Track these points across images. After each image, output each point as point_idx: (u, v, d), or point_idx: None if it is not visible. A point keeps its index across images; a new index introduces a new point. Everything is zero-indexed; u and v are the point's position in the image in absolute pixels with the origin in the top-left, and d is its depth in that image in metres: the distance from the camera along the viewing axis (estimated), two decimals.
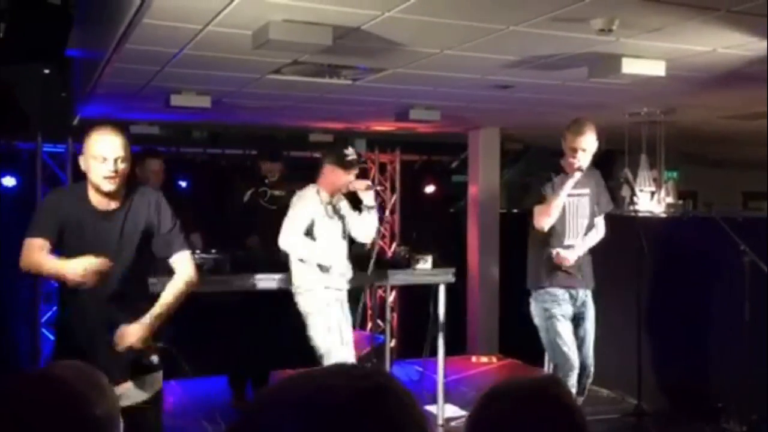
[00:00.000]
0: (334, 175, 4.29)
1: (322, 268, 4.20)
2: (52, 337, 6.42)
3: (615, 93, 5.07)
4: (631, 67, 3.89)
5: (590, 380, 4.35)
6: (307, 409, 0.80)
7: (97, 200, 2.96)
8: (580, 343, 4.26)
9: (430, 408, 5.13)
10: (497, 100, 5.56)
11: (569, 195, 4.17)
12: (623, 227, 5.30)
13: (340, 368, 0.87)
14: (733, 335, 4.64)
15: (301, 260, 4.23)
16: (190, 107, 5.26)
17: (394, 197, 8.09)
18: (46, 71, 6.27)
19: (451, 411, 5.29)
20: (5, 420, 1.06)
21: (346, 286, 4.33)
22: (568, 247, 4.23)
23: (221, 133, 7.97)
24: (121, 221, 2.97)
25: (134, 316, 2.89)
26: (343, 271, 4.26)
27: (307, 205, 4.24)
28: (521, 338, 6.98)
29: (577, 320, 4.29)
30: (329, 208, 4.29)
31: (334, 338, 4.17)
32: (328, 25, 3.32)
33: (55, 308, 6.41)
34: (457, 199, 8.21)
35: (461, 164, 8.23)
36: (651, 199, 6.19)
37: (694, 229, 5.45)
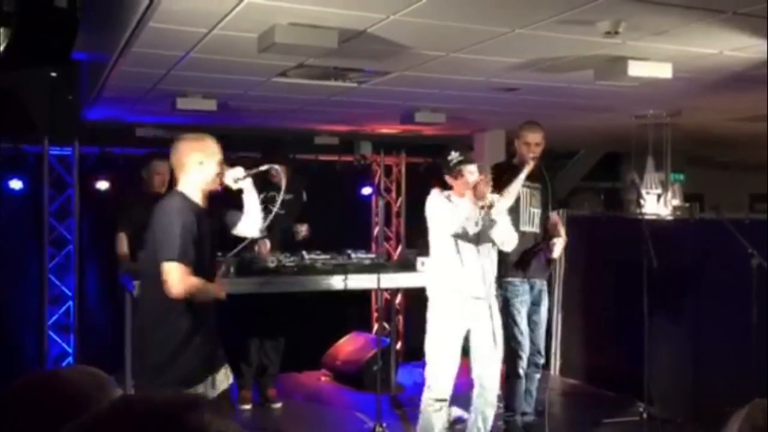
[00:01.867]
0: (454, 184, 4.20)
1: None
2: (59, 340, 6.46)
3: (621, 95, 5.05)
4: (637, 69, 3.88)
5: (543, 360, 4.86)
6: None
7: (199, 199, 3.27)
8: (534, 327, 4.74)
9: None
10: (503, 103, 5.56)
11: (523, 186, 4.59)
12: (630, 229, 5.30)
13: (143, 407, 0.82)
14: (740, 338, 4.62)
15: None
16: (196, 110, 5.27)
17: (400, 200, 8.08)
18: (53, 74, 6.29)
19: (457, 413, 5.28)
20: (10, 421, 1.06)
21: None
22: (524, 233, 4.59)
23: (228, 135, 7.98)
24: (209, 219, 3.30)
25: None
26: None
27: (444, 211, 4.18)
28: None
29: (533, 307, 4.74)
30: (465, 215, 4.14)
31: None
32: (333, 29, 3.32)
33: (64, 310, 6.46)
34: None
35: None
36: (657, 202, 6.17)
37: (700, 231, 5.43)
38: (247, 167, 3.47)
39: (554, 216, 4.91)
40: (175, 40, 3.63)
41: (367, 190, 7.81)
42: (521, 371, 4.63)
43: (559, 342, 6.59)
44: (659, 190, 6.26)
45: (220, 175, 3.31)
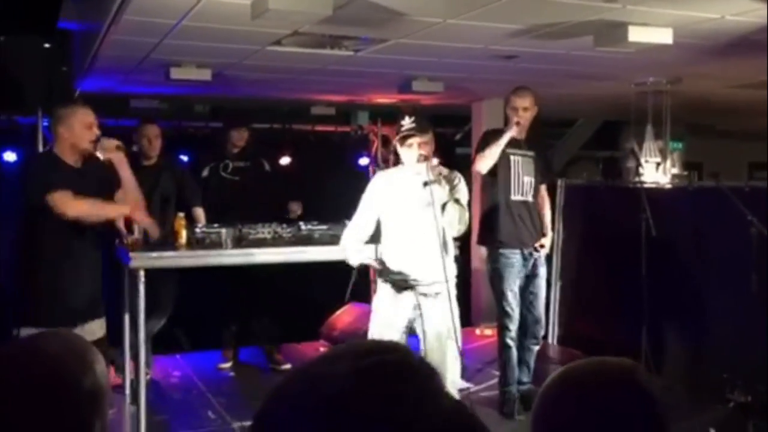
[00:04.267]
0: (401, 153, 3.76)
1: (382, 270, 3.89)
2: None
3: (621, 62, 4.99)
4: (637, 35, 3.83)
5: (542, 331, 4.77)
6: (308, 403, 0.76)
7: (72, 160, 3.59)
8: (533, 299, 4.64)
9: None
10: (501, 71, 5.49)
11: (515, 154, 4.53)
12: (628, 198, 5.27)
13: (346, 349, 0.82)
14: (739, 306, 4.62)
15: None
16: (190, 80, 5.21)
17: None
18: (47, 46, 6.22)
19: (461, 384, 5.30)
20: None
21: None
22: (516, 202, 4.55)
23: (223, 106, 7.91)
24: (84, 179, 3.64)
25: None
26: None
27: (374, 194, 3.88)
28: None
29: (529, 278, 4.63)
30: (405, 193, 3.84)
31: None
32: None
33: None
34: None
35: (465, 136, 8.17)
36: (656, 170, 6.14)
37: (700, 199, 5.40)
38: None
39: (542, 190, 4.78)
40: (167, 7, 3.57)
41: (364, 161, 7.76)
42: (510, 342, 4.59)
43: (558, 311, 6.59)
44: (658, 159, 6.23)
45: (91, 138, 3.57)
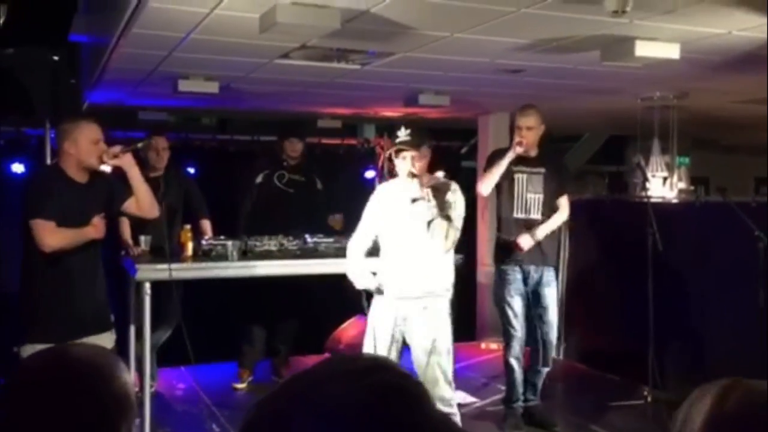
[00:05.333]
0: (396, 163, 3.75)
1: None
2: None
3: (628, 77, 5.00)
4: (644, 49, 3.83)
5: (552, 353, 4.69)
6: (305, 419, 0.75)
7: (76, 175, 3.54)
8: (539, 318, 4.57)
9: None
10: (507, 85, 5.51)
11: (521, 172, 4.52)
12: (635, 212, 5.26)
13: (341, 365, 0.82)
14: (746, 321, 4.59)
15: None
16: (198, 93, 5.24)
17: None
18: (55, 58, 6.25)
19: (461, 397, 5.27)
20: (23, 398, 1.08)
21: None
22: (518, 219, 4.53)
23: (230, 119, 7.95)
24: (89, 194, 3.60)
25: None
26: None
27: (374, 206, 3.89)
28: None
29: (535, 297, 4.57)
30: (401, 205, 3.79)
31: None
32: (336, 8, 3.27)
33: None
34: (467, 185, 8.15)
35: (471, 150, 8.18)
36: (663, 185, 6.13)
37: (706, 214, 5.38)
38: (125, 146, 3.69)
39: (562, 203, 4.63)
40: (176, 20, 3.59)
41: (370, 174, 7.77)
42: (513, 361, 4.55)
43: (564, 325, 6.56)
44: (665, 173, 6.22)
45: (98, 154, 3.50)
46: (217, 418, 4.84)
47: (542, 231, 4.54)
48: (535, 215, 4.56)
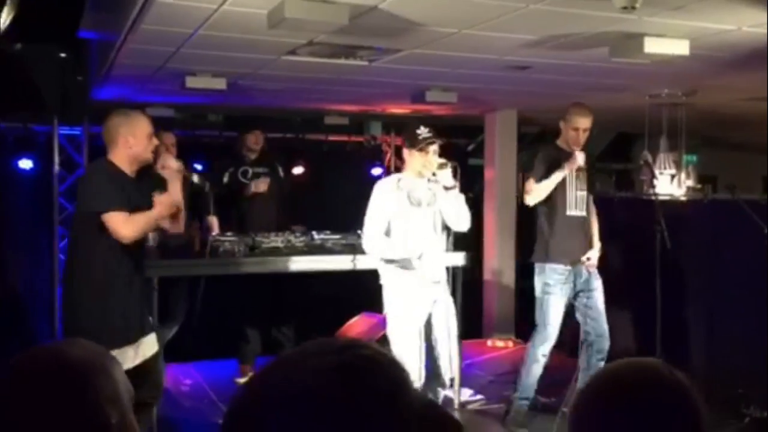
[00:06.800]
0: (413, 159, 3.98)
1: (406, 265, 3.96)
2: None
3: (636, 74, 4.97)
4: (653, 46, 3.81)
5: (608, 345, 4.60)
6: (289, 397, 0.77)
7: (128, 170, 3.47)
8: (594, 314, 4.53)
9: (446, 392, 5.10)
10: (515, 82, 5.49)
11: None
12: (643, 210, 5.24)
13: (320, 345, 0.83)
14: (755, 320, 4.57)
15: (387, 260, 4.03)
16: (205, 89, 5.24)
17: None
18: (63, 55, 6.27)
19: (467, 395, 5.27)
20: (15, 397, 1.06)
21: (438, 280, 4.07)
22: (571, 217, 4.48)
23: (237, 116, 7.96)
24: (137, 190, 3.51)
25: None
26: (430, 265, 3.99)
27: (385, 199, 3.99)
28: None
29: (585, 294, 4.53)
30: (414, 196, 3.98)
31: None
32: (344, 4, 3.27)
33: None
34: (474, 182, 8.15)
35: (478, 147, 8.16)
36: (671, 182, 6.10)
37: (715, 212, 5.36)
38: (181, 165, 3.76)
39: (591, 202, 4.67)
40: (184, 16, 3.59)
41: (377, 171, 7.77)
42: (541, 357, 4.49)
43: (570, 323, 6.54)
44: (673, 171, 6.19)
45: (152, 148, 3.48)
46: (223, 413, 4.84)
47: (598, 239, 4.62)
48: (584, 212, 4.56)
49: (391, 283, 4.04)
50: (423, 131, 3.93)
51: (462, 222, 4.07)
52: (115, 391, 1.10)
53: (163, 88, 5.74)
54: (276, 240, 4.83)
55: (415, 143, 3.94)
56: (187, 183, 3.96)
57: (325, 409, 0.75)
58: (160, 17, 3.57)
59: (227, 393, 5.28)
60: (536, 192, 4.43)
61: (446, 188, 3.95)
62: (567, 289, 4.48)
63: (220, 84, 5.22)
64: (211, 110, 7.84)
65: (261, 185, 5.41)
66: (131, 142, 3.38)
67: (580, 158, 4.37)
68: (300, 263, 4.72)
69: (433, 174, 3.96)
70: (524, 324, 7.14)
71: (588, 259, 4.51)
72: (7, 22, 4.18)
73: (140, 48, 4.29)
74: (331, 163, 7.43)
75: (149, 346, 3.51)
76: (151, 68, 4.98)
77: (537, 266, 4.56)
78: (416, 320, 3.97)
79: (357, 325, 6.59)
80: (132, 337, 3.40)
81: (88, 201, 3.34)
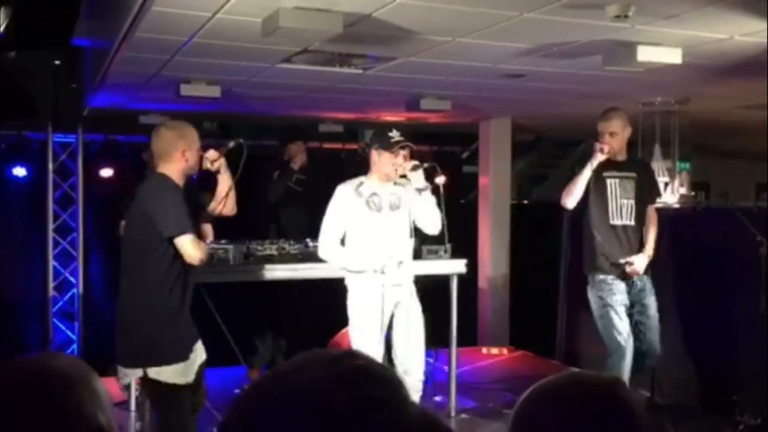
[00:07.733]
0: (382, 161, 3.96)
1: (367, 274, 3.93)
2: (63, 328, 6.45)
3: (629, 82, 5.00)
4: (646, 54, 3.83)
5: (652, 362, 4.53)
6: (286, 407, 0.77)
7: (180, 183, 3.40)
8: (645, 328, 4.40)
9: (441, 399, 5.10)
10: (509, 90, 5.51)
11: (611, 177, 4.37)
12: None
13: (316, 356, 0.83)
14: (748, 327, 4.58)
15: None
16: (200, 97, 5.25)
17: None
18: (57, 62, 6.26)
19: (462, 403, 5.27)
20: None
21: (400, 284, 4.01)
22: (617, 226, 4.38)
23: (231, 123, 7.95)
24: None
25: None
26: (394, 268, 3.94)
27: (342, 205, 3.99)
28: (532, 330, 6.96)
29: (639, 306, 4.41)
30: (374, 201, 3.96)
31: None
32: (338, 12, 3.28)
33: (68, 297, 6.45)
34: (468, 190, 8.16)
35: (472, 155, 8.17)
36: (664, 190, 6.12)
37: (708, 219, 5.39)
38: (216, 148, 3.57)
39: (651, 211, 4.54)
40: (178, 24, 3.60)
41: None
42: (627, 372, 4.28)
43: (564, 331, 6.55)
44: (666, 179, 6.21)
45: (199, 161, 3.42)
46: (218, 422, 4.82)
47: (650, 247, 4.42)
48: (631, 221, 4.40)
49: (351, 285, 4.04)
50: (395, 134, 3.93)
51: (433, 225, 4.07)
52: (99, 403, 1.09)
53: (158, 96, 5.74)
54: (270, 248, 4.82)
55: (387, 145, 3.91)
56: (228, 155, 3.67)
57: (320, 420, 0.75)
58: (155, 25, 3.57)
59: (222, 401, 5.25)
60: (565, 191, 4.36)
61: (418, 190, 3.95)
62: (624, 299, 4.33)
63: (214, 92, 5.23)
64: (205, 118, 7.83)
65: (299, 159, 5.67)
66: (187, 155, 3.31)
67: (600, 155, 4.26)
68: (294, 271, 4.72)
69: (403, 176, 3.97)
70: (519, 331, 7.16)
71: (630, 264, 4.33)
72: (1, 29, 4.18)
73: (135, 55, 4.29)
74: (326, 170, 7.41)
75: (202, 350, 3.52)
76: (146, 76, 4.98)
77: (588, 277, 4.45)
78: (375, 322, 3.91)
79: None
80: (191, 349, 3.41)
81: (168, 224, 3.21)
